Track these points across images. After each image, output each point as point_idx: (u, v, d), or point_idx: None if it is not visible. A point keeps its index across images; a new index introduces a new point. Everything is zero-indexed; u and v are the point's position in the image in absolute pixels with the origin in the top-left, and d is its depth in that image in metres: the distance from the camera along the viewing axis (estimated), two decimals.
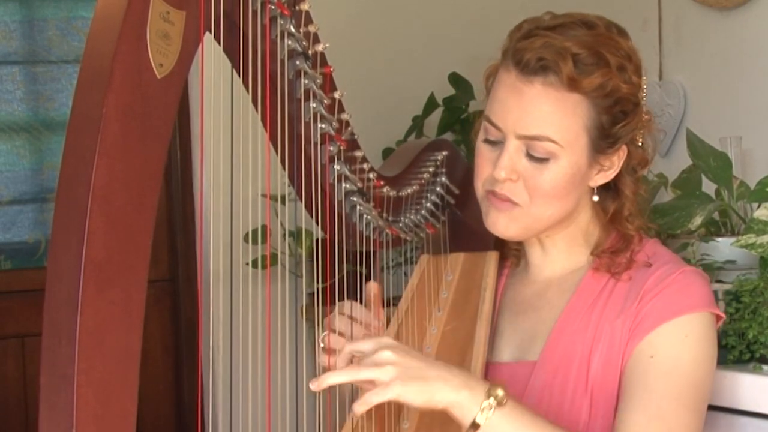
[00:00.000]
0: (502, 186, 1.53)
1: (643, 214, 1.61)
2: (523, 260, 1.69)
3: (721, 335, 1.93)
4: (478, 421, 1.37)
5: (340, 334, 1.55)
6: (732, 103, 2.83)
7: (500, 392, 1.37)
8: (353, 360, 1.44)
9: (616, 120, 1.52)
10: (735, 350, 1.92)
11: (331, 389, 1.44)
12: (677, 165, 2.45)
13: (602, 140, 1.52)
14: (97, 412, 1.06)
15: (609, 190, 1.59)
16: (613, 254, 1.57)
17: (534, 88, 1.50)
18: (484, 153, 1.57)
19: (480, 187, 1.58)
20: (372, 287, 1.63)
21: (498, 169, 1.52)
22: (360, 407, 1.36)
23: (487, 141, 1.56)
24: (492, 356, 1.62)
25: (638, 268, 1.56)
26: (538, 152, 1.51)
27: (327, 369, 1.51)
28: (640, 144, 1.57)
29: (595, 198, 1.58)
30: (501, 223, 1.56)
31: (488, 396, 1.37)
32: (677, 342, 1.49)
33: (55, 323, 1.06)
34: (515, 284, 1.69)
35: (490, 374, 1.59)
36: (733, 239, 2.04)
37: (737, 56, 2.82)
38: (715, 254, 2.12)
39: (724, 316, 1.57)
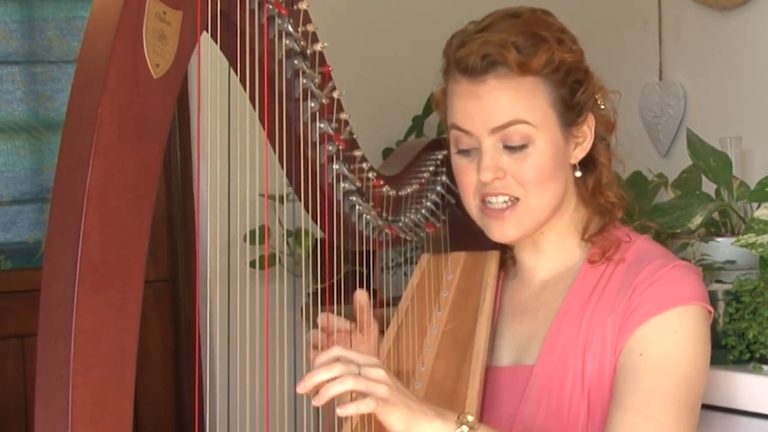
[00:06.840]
0: (494, 186, 1.53)
1: (619, 182, 1.63)
2: (516, 264, 1.68)
3: (721, 335, 1.93)
4: None
5: (315, 347, 1.56)
6: (732, 103, 2.83)
7: (470, 418, 1.36)
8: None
9: (573, 90, 1.55)
10: (735, 350, 1.92)
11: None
12: (677, 165, 2.45)
13: (569, 112, 1.55)
14: (93, 414, 1.06)
15: (586, 165, 1.61)
16: (602, 232, 1.58)
17: (488, 85, 1.51)
18: (462, 166, 1.57)
19: (471, 201, 1.57)
20: (360, 297, 1.62)
21: (483, 171, 1.53)
22: (345, 411, 1.31)
23: (461, 152, 1.56)
24: (491, 360, 1.61)
25: (629, 261, 1.56)
26: (515, 141, 1.52)
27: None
28: (602, 107, 1.60)
29: (578, 173, 1.59)
30: (508, 231, 1.56)
31: (459, 423, 1.36)
32: (666, 338, 1.48)
33: (51, 324, 1.05)
34: (512, 288, 1.68)
35: (489, 378, 1.59)
36: (733, 239, 2.04)
37: (737, 56, 2.81)
38: (715, 254, 2.11)
39: (712, 311, 1.54)
